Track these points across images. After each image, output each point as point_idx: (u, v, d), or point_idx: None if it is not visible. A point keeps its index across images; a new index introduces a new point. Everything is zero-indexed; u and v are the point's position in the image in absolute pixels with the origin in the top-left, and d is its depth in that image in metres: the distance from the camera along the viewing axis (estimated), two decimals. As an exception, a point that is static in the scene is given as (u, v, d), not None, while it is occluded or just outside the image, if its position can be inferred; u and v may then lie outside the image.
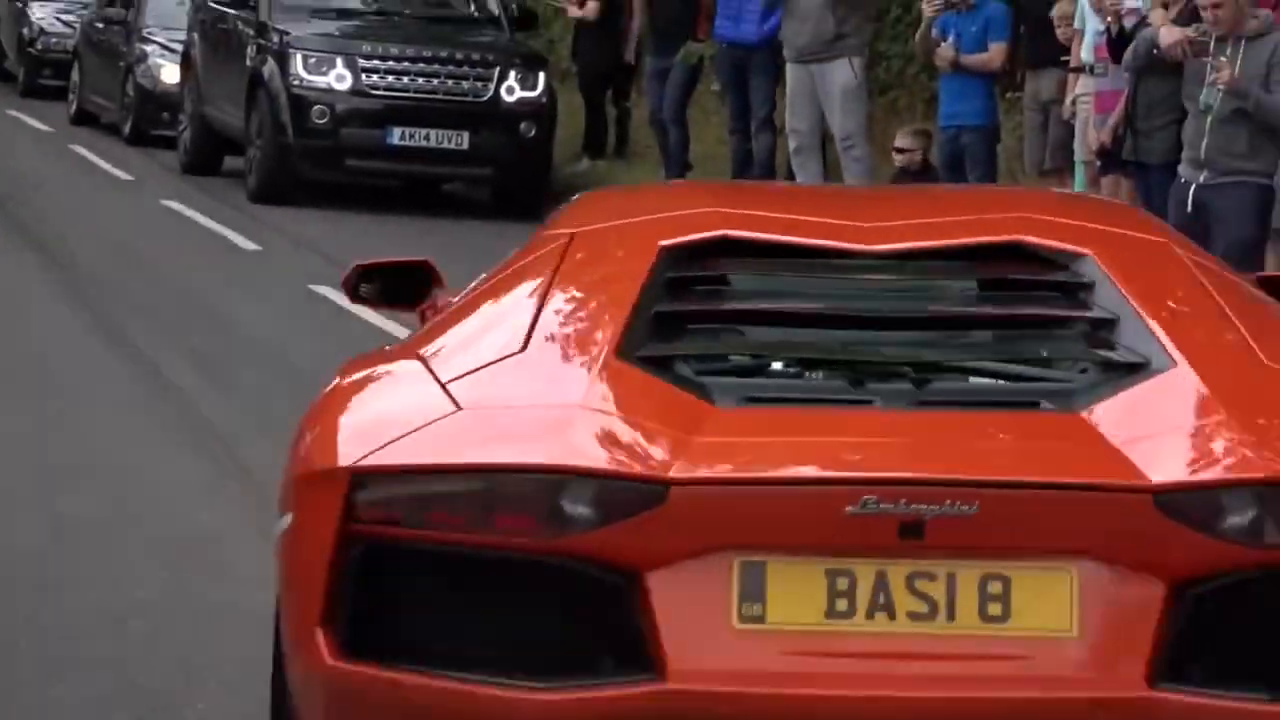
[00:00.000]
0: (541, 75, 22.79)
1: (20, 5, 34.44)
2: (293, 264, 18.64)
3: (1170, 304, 6.13)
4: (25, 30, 33.61)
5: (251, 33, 23.18)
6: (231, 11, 23.81)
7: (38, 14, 33.52)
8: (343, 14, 23.66)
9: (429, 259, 7.27)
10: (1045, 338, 5.99)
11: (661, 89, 21.84)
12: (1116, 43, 15.01)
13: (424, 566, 5.44)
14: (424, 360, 5.99)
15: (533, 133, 22.37)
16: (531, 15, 24.58)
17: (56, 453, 11.57)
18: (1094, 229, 6.71)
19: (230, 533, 10.16)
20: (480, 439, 5.52)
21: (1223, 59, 13.34)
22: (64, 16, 32.65)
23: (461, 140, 22.14)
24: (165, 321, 15.60)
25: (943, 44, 17.30)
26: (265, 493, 10.96)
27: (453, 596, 5.44)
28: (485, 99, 22.32)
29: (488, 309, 6.38)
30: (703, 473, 5.29)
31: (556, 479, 5.24)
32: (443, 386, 5.69)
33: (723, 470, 5.37)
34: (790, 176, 19.70)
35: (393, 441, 5.48)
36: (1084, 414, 5.42)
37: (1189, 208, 13.65)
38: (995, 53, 17.12)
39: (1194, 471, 5.39)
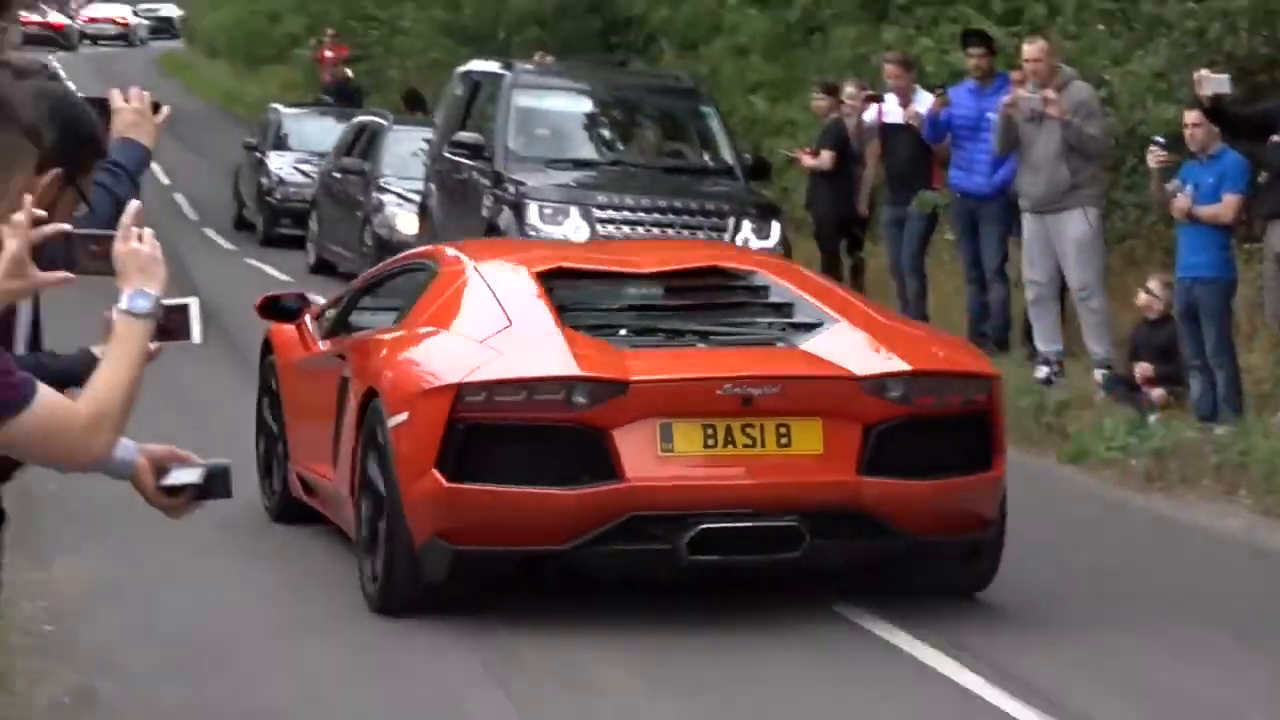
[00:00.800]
0: (776, 225, 22.97)
1: (259, 156, 34.96)
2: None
3: (816, 293, 12.97)
4: (264, 180, 34.14)
5: (488, 183, 23.56)
6: (468, 162, 24.19)
7: (276, 164, 34.02)
8: (578, 164, 24.00)
9: (304, 291, 9.84)
10: (754, 313, 12.95)
11: (898, 238, 21.98)
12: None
13: (495, 433, 11.38)
14: (448, 331, 12.27)
15: (766, 282, 22.63)
16: (765, 165, 24.68)
17: (302, 604, 11.64)
18: (764, 259, 15.23)
19: (470, 695, 10.27)
20: (522, 366, 11.37)
21: None
22: (302, 166, 33.10)
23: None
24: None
25: (1179, 194, 17.32)
26: (513, 652, 11.26)
27: (512, 447, 11.50)
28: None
29: (452, 304, 12.72)
30: (640, 377, 11.35)
31: (569, 383, 10.83)
32: (480, 343, 11.86)
33: (650, 376, 11.46)
34: (1027, 326, 19.76)
35: (476, 368, 11.41)
36: (802, 347, 12.11)
37: None
38: (1227, 205, 17.01)
39: (874, 368, 11.77)
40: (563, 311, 12.20)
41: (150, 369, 6.75)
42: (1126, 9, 20.75)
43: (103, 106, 7.40)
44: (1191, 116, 17.56)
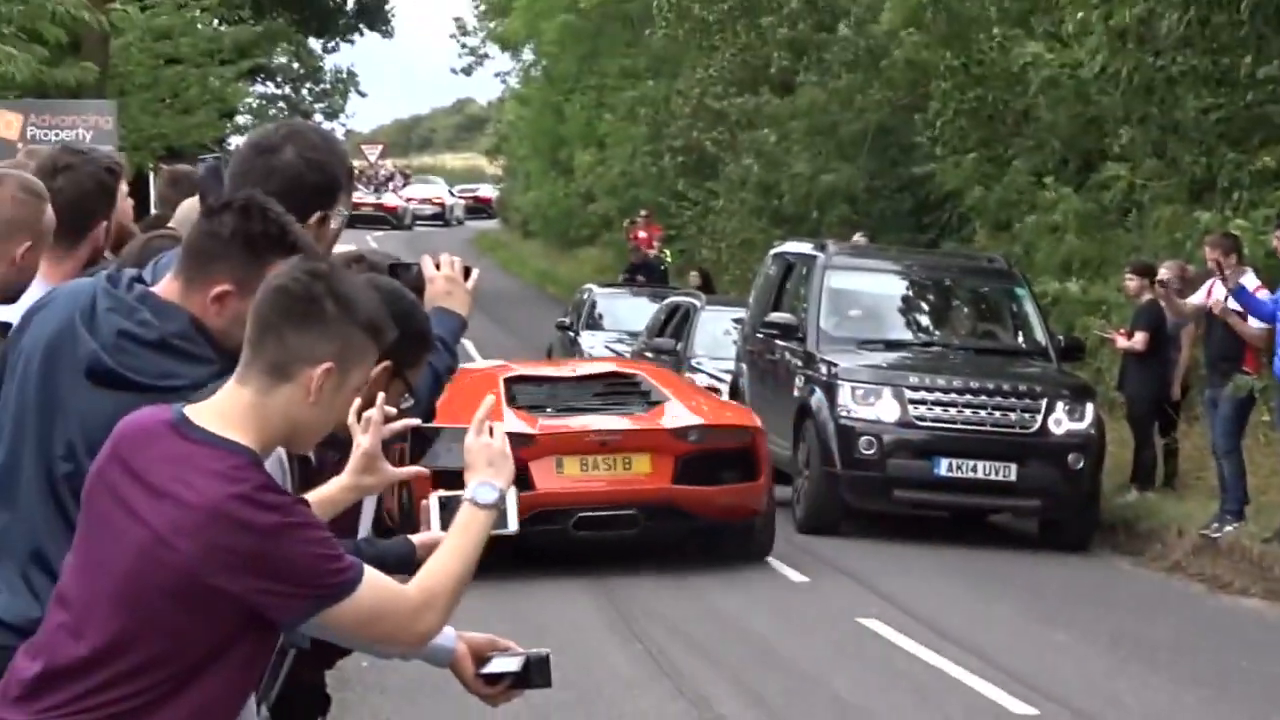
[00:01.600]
0: (1090, 406, 22.90)
1: (572, 335, 35.33)
2: (844, 594, 18.97)
3: (668, 384, 21.74)
4: (578, 357, 34.45)
5: (799, 363, 23.75)
6: (780, 342, 24.41)
7: (588, 343, 34.31)
8: (890, 345, 24.14)
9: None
10: (628, 395, 21.12)
11: (1224, 421, 21.73)
12: None
13: None
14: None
15: (1081, 464, 22.42)
16: (1079, 345, 24.67)
17: None
18: (647, 366, 24.26)
19: None
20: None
21: None
22: (615, 345, 33.31)
23: (1009, 472, 22.29)
24: (713, 655, 15.97)
25: None
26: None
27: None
28: (1033, 430, 22.48)
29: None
30: (543, 431, 19.59)
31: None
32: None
33: (549, 430, 19.70)
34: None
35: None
36: (645, 414, 20.45)
37: None
38: None
39: (682, 423, 20.19)
40: (512, 399, 20.20)
41: (498, 562, 6.99)
42: None
43: (415, 272, 7.58)
44: None
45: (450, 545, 5.34)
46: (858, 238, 29.89)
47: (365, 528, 6.94)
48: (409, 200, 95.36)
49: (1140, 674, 15.81)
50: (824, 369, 23.19)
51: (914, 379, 22.97)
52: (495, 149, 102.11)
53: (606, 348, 33.63)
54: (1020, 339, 24.64)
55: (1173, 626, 18.29)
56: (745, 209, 43.15)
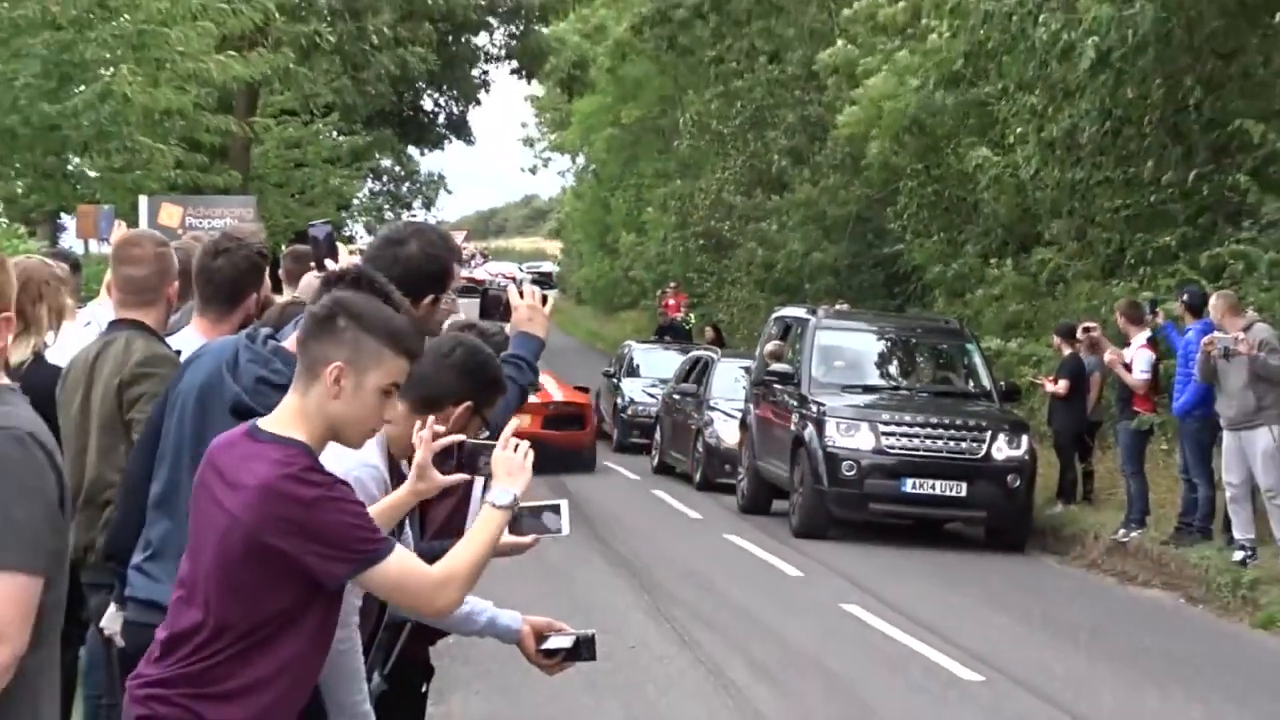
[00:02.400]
0: (1025, 437, 22.87)
1: (615, 381, 35.55)
2: (830, 585, 18.84)
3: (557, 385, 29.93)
4: (619, 400, 34.66)
5: (795, 403, 23.71)
6: (779, 386, 24.41)
7: (629, 388, 34.52)
8: (867, 389, 24.13)
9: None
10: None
11: (1130, 449, 21.76)
12: None
13: None
14: None
15: (1018, 483, 22.44)
16: (1016, 390, 24.71)
17: None
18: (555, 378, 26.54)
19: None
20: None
21: None
22: (649, 390, 33.43)
23: (961, 489, 22.28)
24: (726, 633, 15.83)
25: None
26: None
27: None
28: (980, 456, 22.46)
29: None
30: None
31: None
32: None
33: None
34: (1227, 521, 19.54)
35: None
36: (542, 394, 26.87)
37: None
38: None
39: (552, 399, 29.17)
40: None
41: (535, 552, 6.98)
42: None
43: (501, 302, 7.60)
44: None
45: (470, 537, 5.32)
46: (840, 305, 29.79)
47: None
48: (490, 275, 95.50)
49: (1065, 649, 15.77)
50: (814, 408, 23.15)
51: (886, 415, 22.97)
52: (555, 233, 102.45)
53: (644, 392, 33.68)
54: (970, 384, 24.61)
55: (1090, 612, 18.25)
56: (751, 281, 43.21)
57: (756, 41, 42.51)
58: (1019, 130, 27.34)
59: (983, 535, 22.73)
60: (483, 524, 5.34)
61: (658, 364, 35.02)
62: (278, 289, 9.63)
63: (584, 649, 6.41)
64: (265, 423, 5.20)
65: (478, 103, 64.94)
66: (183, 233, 21.36)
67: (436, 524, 6.35)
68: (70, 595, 4.66)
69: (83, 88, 25.50)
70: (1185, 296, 20.78)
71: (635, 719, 12.41)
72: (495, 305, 7.66)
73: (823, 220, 39.38)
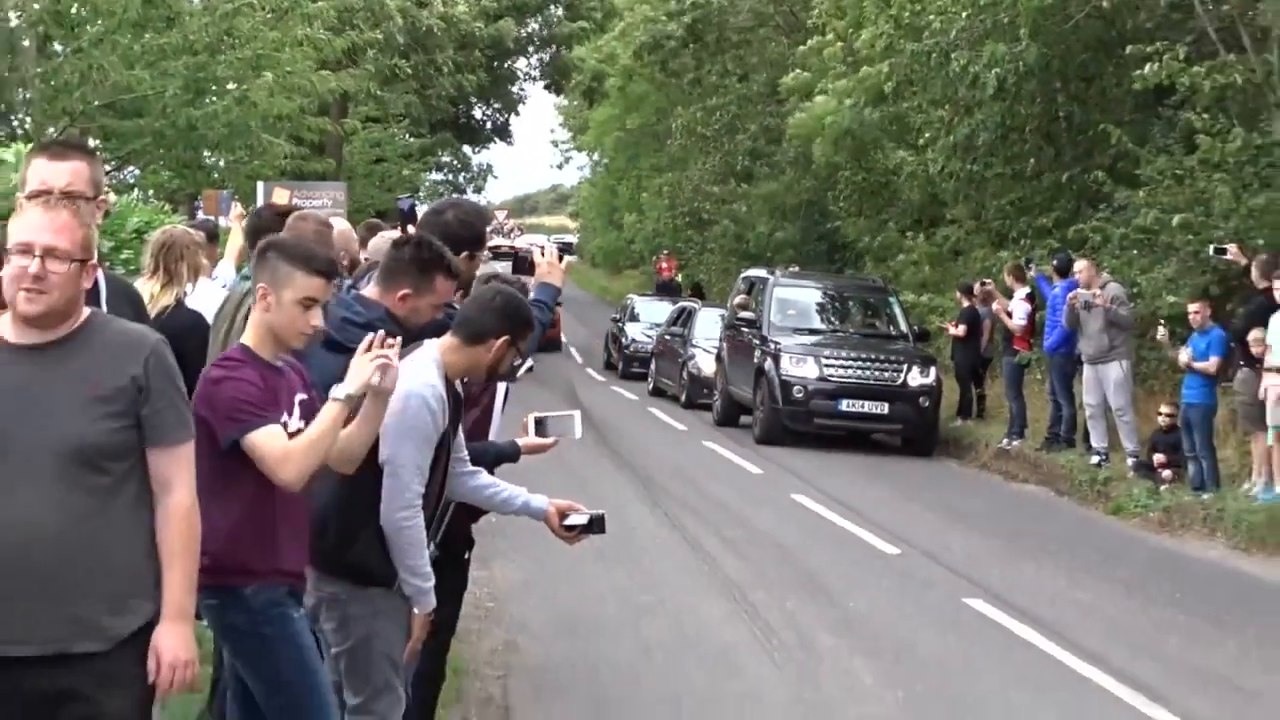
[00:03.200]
0: (933, 368, 22.80)
1: (620, 325, 35.56)
2: (784, 481, 18.77)
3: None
4: (623, 340, 34.61)
5: (758, 342, 23.67)
6: (746, 329, 24.38)
7: (631, 331, 34.50)
8: (813, 332, 24.02)
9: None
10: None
11: (1011, 379, 21.79)
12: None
13: None
14: None
15: (927, 404, 22.43)
16: (926, 333, 24.67)
17: (648, 609, 11.67)
18: None
19: (747, 657, 10.35)
20: None
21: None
22: (646, 332, 33.42)
23: (884, 408, 22.28)
24: (707, 519, 15.79)
25: (1183, 354, 17.16)
26: (764, 618, 11.26)
27: None
28: (898, 383, 22.43)
29: None
30: None
31: None
32: None
33: None
34: (1086, 433, 19.55)
35: None
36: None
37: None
38: (1213, 362, 16.87)
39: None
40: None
41: (555, 452, 6.92)
42: (1150, 239, 20.57)
43: (527, 261, 7.60)
44: (1194, 306, 17.45)
45: (314, 424, 5.12)
46: (793, 268, 29.71)
47: (494, 430, 6.94)
48: (524, 244, 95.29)
49: (962, 529, 15.78)
50: (772, 345, 23.12)
51: (827, 351, 22.93)
52: (575, 214, 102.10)
53: (643, 333, 33.66)
54: (891, 329, 24.53)
55: (982, 502, 18.26)
56: (724, 250, 43.14)
57: (729, 66, 42.42)
58: (930, 136, 27.25)
59: (900, 443, 22.68)
60: (323, 414, 5.13)
61: (653, 312, 34.90)
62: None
63: (596, 525, 6.41)
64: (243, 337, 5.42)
65: (517, 112, 66.05)
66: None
67: (466, 429, 6.32)
68: None
69: (213, 99, 25.64)
70: (1055, 261, 20.96)
71: (634, 581, 12.40)
72: (525, 264, 7.65)
73: (780, 205, 39.38)
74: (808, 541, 14.74)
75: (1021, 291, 21.61)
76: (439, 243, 6.31)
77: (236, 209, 12.49)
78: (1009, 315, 21.54)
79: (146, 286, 7.59)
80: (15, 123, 24.70)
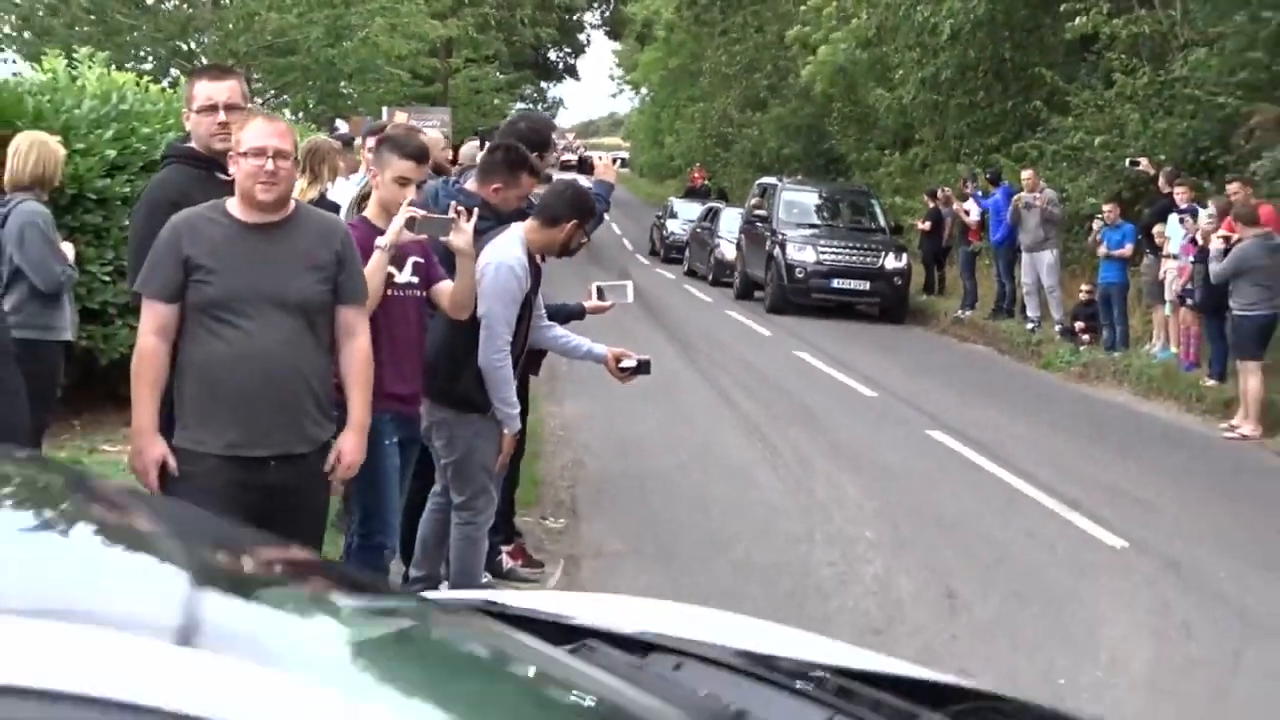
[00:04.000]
0: (905, 255, 22.55)
1: (662, 220, 35.21)
2: (787, 341, 18.64)
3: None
4: (664, 232, 34.35)
5: (768, 234, 23.46)
6: (760, 223, 24.17)
7: (670, 225, 34.19)
8: (812, 226, 23.77)
9: None
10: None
11: (965, 264, 21.59)
12: (1191, 243, 14.69)
13: None
14: None
15: (900, 282, 22.24)
16: (900, 228, 24.40)
17: (682, 436, 11.70)
18: None
19: (759, 472, 10.39)
20: None
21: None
22: (683, 226, 33.16)
23: (866, 285, 22.12)
24: (728, 369, 15.77)
25: (1101, 244, 17.01)
26: (771, 444, 11.22)
27: None
28: (877, 266, 22.25)
29: None
30: None
31: None
32: None
33: None
34: (1023, 305, 19.42)
35: None
36: None
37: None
38: (1126, 249, 16.75)
39: None
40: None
41: (612, 315, 6.83)
42: (1076, 154, 20.34)
43: (589, 163, 7.54)
44: (1108, 206, 17.25)
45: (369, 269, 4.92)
46: (798, 177, 29.42)
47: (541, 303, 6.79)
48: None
49: (925, 379, 15.70)
50: (780, 236, 22.92)
51: (823, 242, 22.74)
52: (627, 136, 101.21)
53: (680, 227, 33.47)
54: (873, 224, 24.27)
55: (941, 358, 18.16)
56: (743, 164, 42.74)
57: (748, 19, 41.76)
58: (903, 73, 26.86)
59: (878, 313, 22.54)
60: (372, 260, 5.00)
61: (688, 211, 34.60)
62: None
63: (644, 367, 6.37)
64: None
65: (583, 54, 65.05)
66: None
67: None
68: None
69: (347, 42, 25.52)
70: (988, 174, 20.81)
71: (671, 415, 12.39)
72: (587, 165, 7.59)
73: (787, 128, 38.94)
74: (805, 386, 14.70)
75: (974, 196, 21.38)
76: (524, 148, 6.24)
77: (369, 123, 12.41)
78: (967, 214, 21.28)
79: (296, 185, 7.53)
80: (194, 63, 24.61)
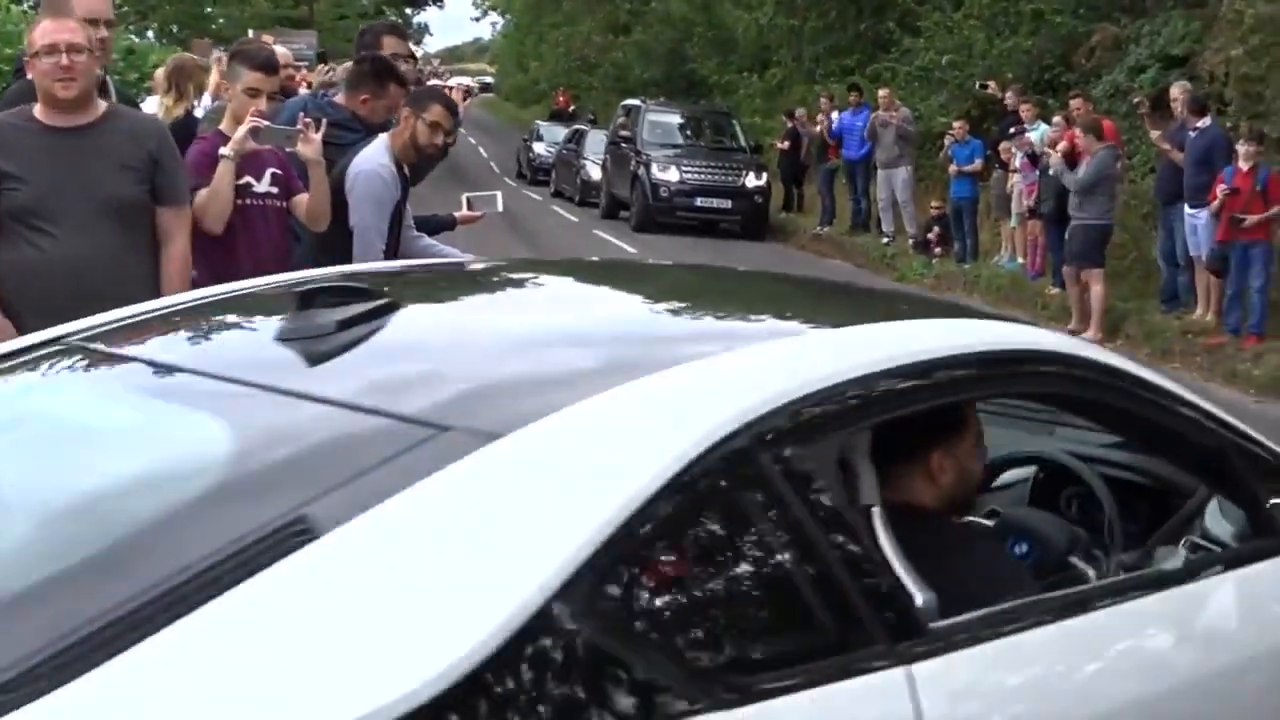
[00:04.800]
0: (765, 174, 22.67)
1: (529, 143, 34.79)
2: (652, 258, 18.68)
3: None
4: (530, 155, 33.98)
5: (634, 154, 23.38)
6: (624, 144, 24.05)
7: (537, 148, 33.76)
8: (674, 146, 23.72)
9: None
10: None
11: (824, 182, 21.78)
12: (1031, 161, 14.96)
13: None
14: None
15: (760, 200, 22.37)
16: (760, 147, 24.45)
17: None
18: None
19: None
20: None
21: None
22: (549, 148, 32.80)
23: (728, 204, 22.20)
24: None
25: (952, 161, 17.23)
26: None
27: None
28: (739, 184, 22.35)
29: None
30: None
31: None
32: None
33: None
34: (879, 221, 19.67)
35: None
36: None
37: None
38: (976, 165, 16.99)
39: None
40: None
41: (480, 236, 6.70)
42: (929, 75, 20.58)
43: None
44: (957, 124, 17.46)
45: (212, 183, 4.92)
46: (660, 100, 29.34)
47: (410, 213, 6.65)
48: (455, 83, 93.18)
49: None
50: (645, 156, 22.86)
51: (686, 161, 22.76)
52: (492, 61, 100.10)
53: (546, 149, 33.15)
54: (734, 144, 24.33)
55: (801, 272, 18.31)
56: (607, 88, 42.47)
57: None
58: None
59: (739, 230, 22.66)
60: (218, 171, 4.94)
61: (553, 134, 34.23)
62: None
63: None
64: None
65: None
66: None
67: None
68: None
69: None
70: (852, 96, 20.82)
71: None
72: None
73: (650, 52, 38.74)
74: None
75: (833, 114, 21.47)
76: (389, 59, 6.10)
77: (216, 53, 12.02)
78: (824, 131, 21.35)
79: (162, 102, 7.30)
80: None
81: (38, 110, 4.27)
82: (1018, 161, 15.46)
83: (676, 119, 25.31)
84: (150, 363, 2.33)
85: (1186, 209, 12.66)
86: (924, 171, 20.28)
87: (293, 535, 1.61)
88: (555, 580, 1.60)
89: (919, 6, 21.28)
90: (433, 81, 19.78)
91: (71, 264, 4.17)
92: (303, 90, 8.98)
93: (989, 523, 2.92)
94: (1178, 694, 2.23)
